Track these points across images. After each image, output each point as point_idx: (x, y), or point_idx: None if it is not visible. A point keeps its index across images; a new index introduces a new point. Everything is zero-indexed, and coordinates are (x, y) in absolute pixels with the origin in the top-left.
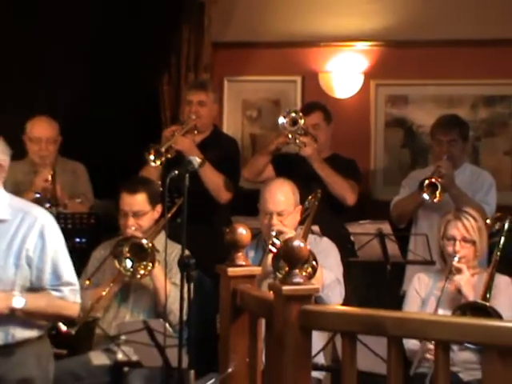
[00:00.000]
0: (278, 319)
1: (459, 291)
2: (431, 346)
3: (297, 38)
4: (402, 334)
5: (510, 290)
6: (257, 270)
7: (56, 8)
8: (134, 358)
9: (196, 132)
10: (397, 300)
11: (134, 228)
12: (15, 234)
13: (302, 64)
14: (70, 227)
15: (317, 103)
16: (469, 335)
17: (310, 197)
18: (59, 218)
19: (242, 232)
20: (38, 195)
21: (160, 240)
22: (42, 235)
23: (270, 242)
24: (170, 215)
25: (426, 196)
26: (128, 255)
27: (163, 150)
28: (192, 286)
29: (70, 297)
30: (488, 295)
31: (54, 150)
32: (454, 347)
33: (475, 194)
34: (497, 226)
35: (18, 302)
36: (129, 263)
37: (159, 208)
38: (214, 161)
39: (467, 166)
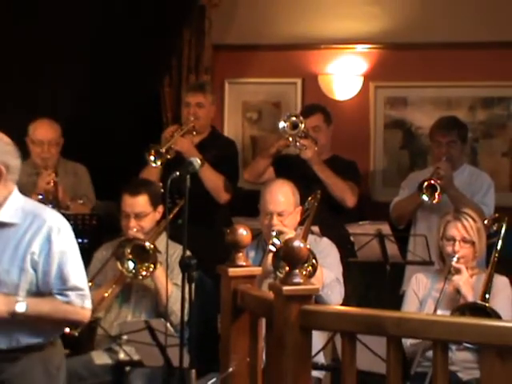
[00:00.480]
0: (278, 319)
1: (458, 291)
2: None
3: (297, 40)
4: (401, 333)
5: (507, 290)
6: (257, 270)
7: (57, 10)
8: (136, 357)
9: (194, 133)
10: (396, 300)
11: (135, 229)
12: (22, 237)
13: (302, 66)
14: (72, 228)
15: (317, 105)
16: (467, 335)
17: (309, 198)
18: None
19: (243, 233)
20: (40, 197)
21: (161, 241)
22: (49, 238)
23: (271, 242)
24: (171, 216)
25: (425, 197)
26: (130, 257)
27: (163, 150)
28: (193, 286)
29: (76, 301)
30: (487, 296)
31: (57, 152)
32: (453, 347)
33: (474, 195)
34: (495, 227)
35: (20, 306)
36: (131, 265)
37: (160, 209)
38: (212, 161)
39: (466, 167)
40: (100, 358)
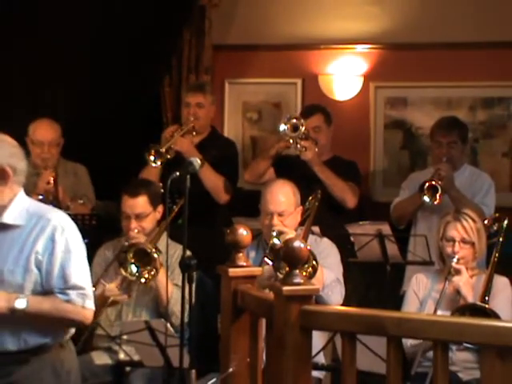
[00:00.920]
0: (278, 319)
1: (458, 292)
2: None
3: (297, 40)
4: (402, 333)
5: (507, 290)
6: (257, 270)
7: (57, 10)
8: (136, 357)
9: (194, 133)
10: (396, 300)
11: (136, 230)
12: (27, 238)
13: (302, 66)
14: None
15: (317, 106)
16: (467, 335)
17: (310, 198)
18: None
19: (243, 233)
20: (40, 197)
21: (162, 241)
22: (53, 238)
23: (270, 243)
24: (171, 216)
25: (426, 198)
26: (132, 261)
27: (163, 150)
28: (193, 286)
29: (77, 301)
30: (487, 296)
31: (57, 152)
32: (453, 347)
33: (474, 195)
34: (495, 227)
35: (20, 303)
36: (134, 269)
37: (160, 209)
38: (212, 162)
39: (466, 168)
40: (100, 358)
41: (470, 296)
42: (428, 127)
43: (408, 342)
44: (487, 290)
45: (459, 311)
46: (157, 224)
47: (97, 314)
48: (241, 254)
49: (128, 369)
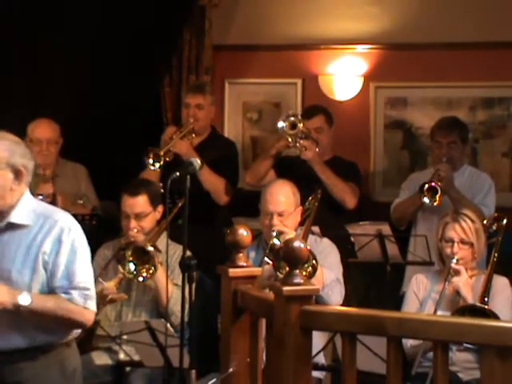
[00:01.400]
0: (278, 319)
1: (458, 293)
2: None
3: (297, 40)
4: (402, 334)
5: (507, 290)
6: (257, 270)
7: (57, 10)
8: (136, 357)
9: (194, 135)
10: (396, 300)
11: (136, 230)
12: (34, 238)
13: (302, 66)
14: None
15: (318, 106)
16: (467, 335)
17: (310, 198)
18: None
19: (243, 233)
20: (40, 197)
21: (162, 241)
22: (60, 239)
23: (270, 243)
24: (171, 216)
25: (426, 200)
26: (131, 259)
27: (162, 153)
28: (193, 286)
29: (79, 300)
30: (486, 297)
31: (55, 151)
32: (453, 347)
33: (474, 196)
34: (494, 227)
35: (24, 299)
36: (132, 267)
37: (160, 208)
38: (212, 163)
39: (466, 168)
40: (100, 358)
41: (470, 296)
42: (428, 127)
43: (408, 343)
44: (486, 290)
45: (459, 312)
46: (156, 224)
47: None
48: (241, 255)
49: (128, 369)
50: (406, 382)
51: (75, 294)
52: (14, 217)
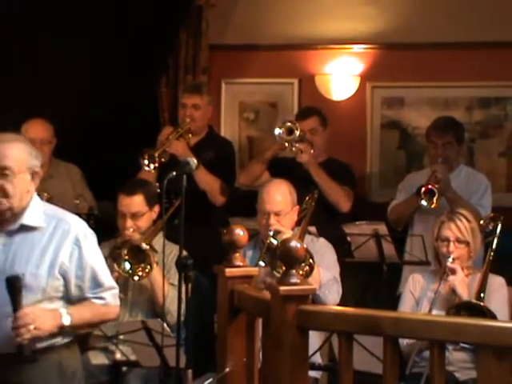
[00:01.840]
0: (275, 319)
1: (453, 291)
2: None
3: (294, 40)
4: (398, 333)
5: (503, 290)
6: (254, 270)
7: (55, 11)
8: (133, 357)
9: (191, 135)
10: (393, 300)
11: (132, 229)
12: (49, 241)
13: (298, 66)
14: None
15: (313, 108)
16: (464, 335)
17: (307, 197)
18: None
19: (240, 233)
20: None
21: (158, 241)
22: (78, 243)
23: (267, 241)
24: (167, 216)
25: (423, 202)
26: (126, 257)
27: (156, 154)
28: (190, 286)
29: (112, 302)
30: (482, 295)
31: (49, 151)
32: (450, 347)
33: (471, 196)
34: (490, 227)
35: (66, 319)
36: (127, 265)
37: (157, 208)
38: (209, 162)
39: (463, 168)
40: (96, 358)
41: (466, 295)
42: (424, 127)
43: (404, 341)
44: (482, 288)
45: (454, 309)
46: (152, 224)
47: None
48: (237, 254)
49: (124, 369)
50: (400, 381)
51: (109, 296)
52: (27, 218)
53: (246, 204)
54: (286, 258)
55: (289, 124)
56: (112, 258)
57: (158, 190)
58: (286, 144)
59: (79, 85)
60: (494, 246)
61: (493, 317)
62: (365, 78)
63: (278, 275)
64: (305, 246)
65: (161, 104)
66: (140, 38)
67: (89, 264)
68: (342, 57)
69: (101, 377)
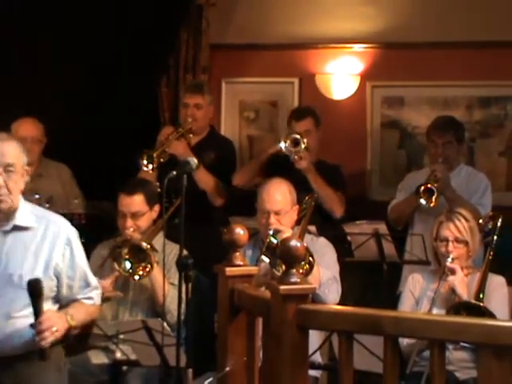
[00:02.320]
0: (275, 318)
1: (453, 291)
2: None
3: (294, 40)
4: (398, 333)
5: (503, 289)
6: (254, 269)
7: (54, 10)
8: (133, 356)
9: (192, 135)
10: (393, 299)
11: (132, 229)
12: (41, 242)
13: (299, 66)
14: None
15: (307, 109)
16: (464, 334)
17: (306, 197)
18: None
19: (240, 232)
20: (37, 196)
21: (158, 240)
22: (70, 243)
23: (267, 241)
24: (167, 215)
25: (422, 201)
26: (127, 257)
27: (155, 155)
28: (190, 285)
29: (98, 301)
30: (481, 295)
31: (39, 150)
32: (450, 346)
33: (471, 195)
34: (490, 226)
35: (71, 320)
36: (128, 265)
37: (157, 208)
38: (211, 162)
39: (463, 168)
40: (97, 357)
41: (465, 294)
42: (425, 127)
43: (404, 341)
44: (481, 288)
45: (454, 308)
46: (153, 223)
47: None
48: (237, 254)
49: (125, 368)
50: (401, 381)
51: (95, 296)
52: (19, 219)
53: (246, 203)
54: (285, 257)
55: (293, 136)
56: (112, 258)
57: (159, 190)
58: (284, 148)
59: (79, 85)
60: (493, 246)
61: (491, 316)
62: (365, 77)
63: (278, 274)
64: (305, 244)
65: (161, 104)
66: (140, 38)
67: (79, 264)
68: (342, 56)
69: (101, 376)
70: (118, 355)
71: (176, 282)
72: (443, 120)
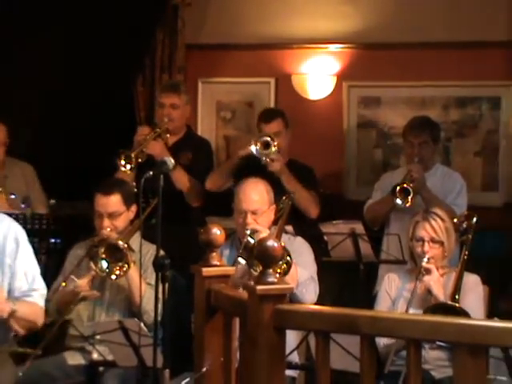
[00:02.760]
0: (252, 319)
1: (429, 291)
2: None
3: (270, 40)
4: (375, 332)
5: (478, 288)
6: (231, 269)
7: (31, 10)
8: (109, 357)
9: (169, 135)
10: (370, 299)
11: (109, 229)
12: None
13: (275, 66)
14: (45, 227)
15: (276, 110)
16: (440, 333)
17: (284, 197)
18: (33, 218)
19: (217, 232)
20: (13, 196)
21: (135, 240)
22: (17, 242)
23: (244, 241)
24: (144, 216)
25: (398, 201)
26: (103, 256)
27: (133, 155)
28: (167, 286)
29: (39, 301)
30: (457, 294)
31: (2, 152)
32: (426, 345)
33: (446, 195)
34: (464, 225)
35: (12, 304)
36: (104, 264)
37: (134, 208)
38: (188, 162)
39: (438, 168)
40: (73, 358)
41: (441, 295)
42: (401, 127)
43: (381, 342)
44: (457, 288)
45: (430, 310)
46: (130, 223)
47: (67, 310)
48: (214, 254)
49: (101, 369)
50: (379, 380)
51: (36, 295)
52: None
53: (223, 203)
54: (262, 257)
55: (264, 138)
56: (89, 257)
57: (135, 190)
58: (255, 151)
59: (55, 85)
60: (468, 245)
61: (467, 316)
62: (341, 77)
63: (255, 273)
64: (282, 244)
65: (137, 103)
66: (116, 37)
67: (22, 262)
68: (318, 56)
69: (77, 377)
70: (95, 356)
71: (153, 282)
72: (419, 120)
